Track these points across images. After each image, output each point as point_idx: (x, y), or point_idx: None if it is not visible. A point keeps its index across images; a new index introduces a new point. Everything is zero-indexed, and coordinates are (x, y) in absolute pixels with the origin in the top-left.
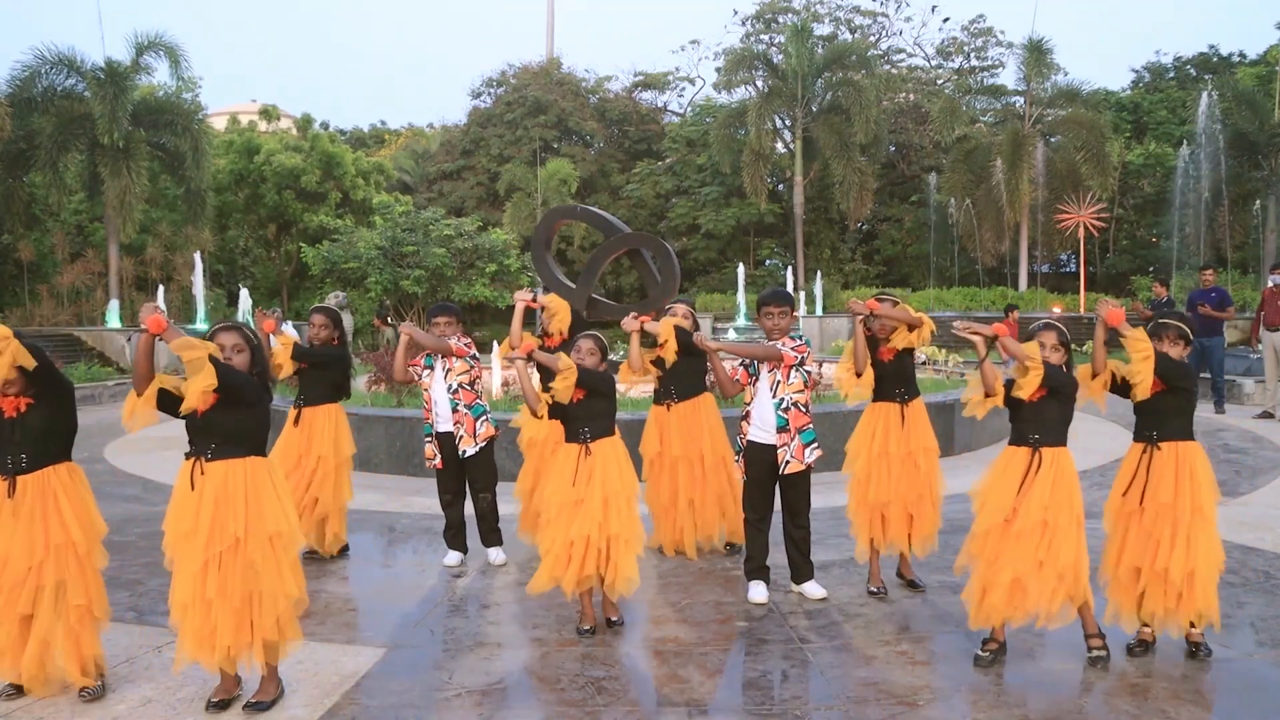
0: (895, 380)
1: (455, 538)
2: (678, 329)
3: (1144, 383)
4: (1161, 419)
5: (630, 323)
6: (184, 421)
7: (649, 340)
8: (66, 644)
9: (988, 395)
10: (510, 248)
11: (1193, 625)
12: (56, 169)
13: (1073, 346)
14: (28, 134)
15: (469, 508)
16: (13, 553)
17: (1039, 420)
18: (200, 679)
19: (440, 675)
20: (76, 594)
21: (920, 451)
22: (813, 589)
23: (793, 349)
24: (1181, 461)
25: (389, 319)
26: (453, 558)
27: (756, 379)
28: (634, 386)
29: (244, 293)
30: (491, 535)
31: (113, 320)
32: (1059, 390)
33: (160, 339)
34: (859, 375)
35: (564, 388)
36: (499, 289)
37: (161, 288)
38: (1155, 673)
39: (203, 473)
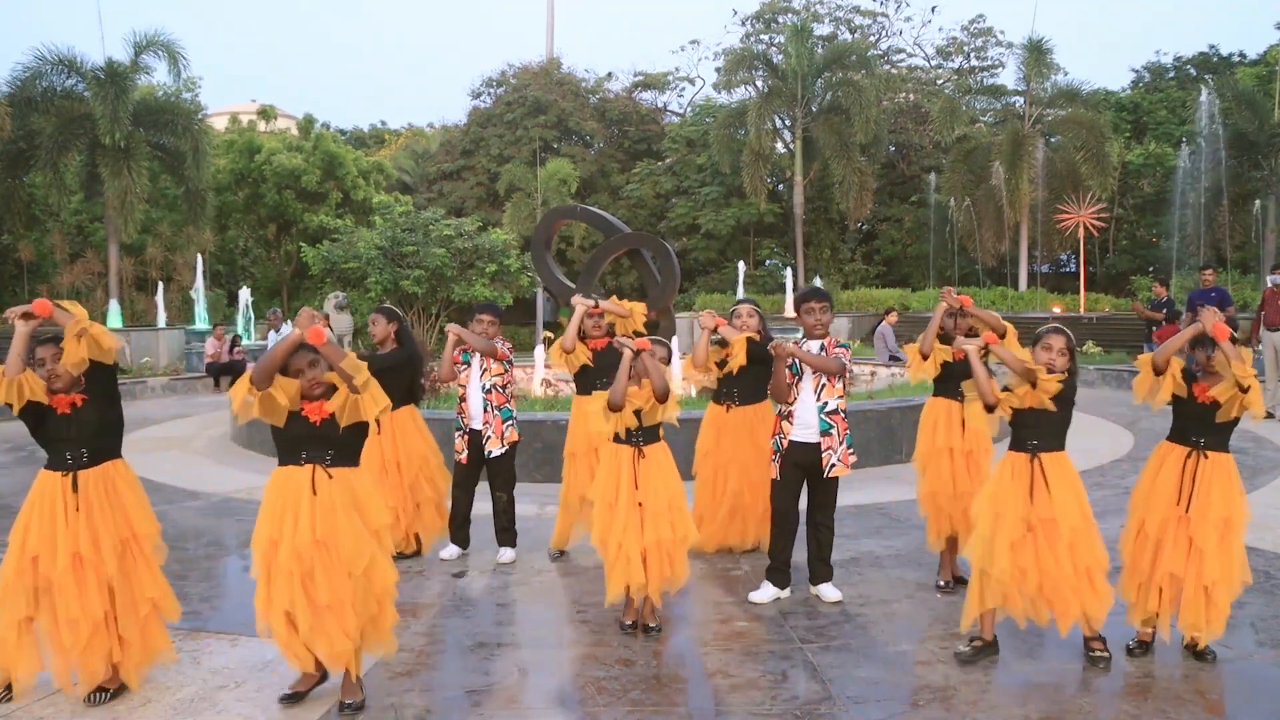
0: (960, 380)
1: (459, 532)
2: (751, 341)
3: (1255, 406)
4: (1213, 427)
5: (708, 320)
6: (284, 428)
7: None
8: (133, 640)
9: (990, 409)
10: (510, 248)
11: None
12: (56, 169)
13: (1075, 349)
14: (28, 134)
15: (478, 508)
16: (80, 549)
17: (1038, 425)
18: (200, 679)
19: (440, 675)
20: (148, 588)
21: (981, 451)
22: (829, 591)
23: (847, 358)
24: (1230, 474)
25: None
26: (451, 551)
27: (800, 379)
28: (697, 384)
29: (244, 292)
30: (505, 535)
31: (113, 320)
32: (1060, 397)
33: (317, 350)
34: (924, 357)
35: (666, 411)
36: (499, 289)
37: (161, 287)
38: (1155, 673)
39: (330, 478)
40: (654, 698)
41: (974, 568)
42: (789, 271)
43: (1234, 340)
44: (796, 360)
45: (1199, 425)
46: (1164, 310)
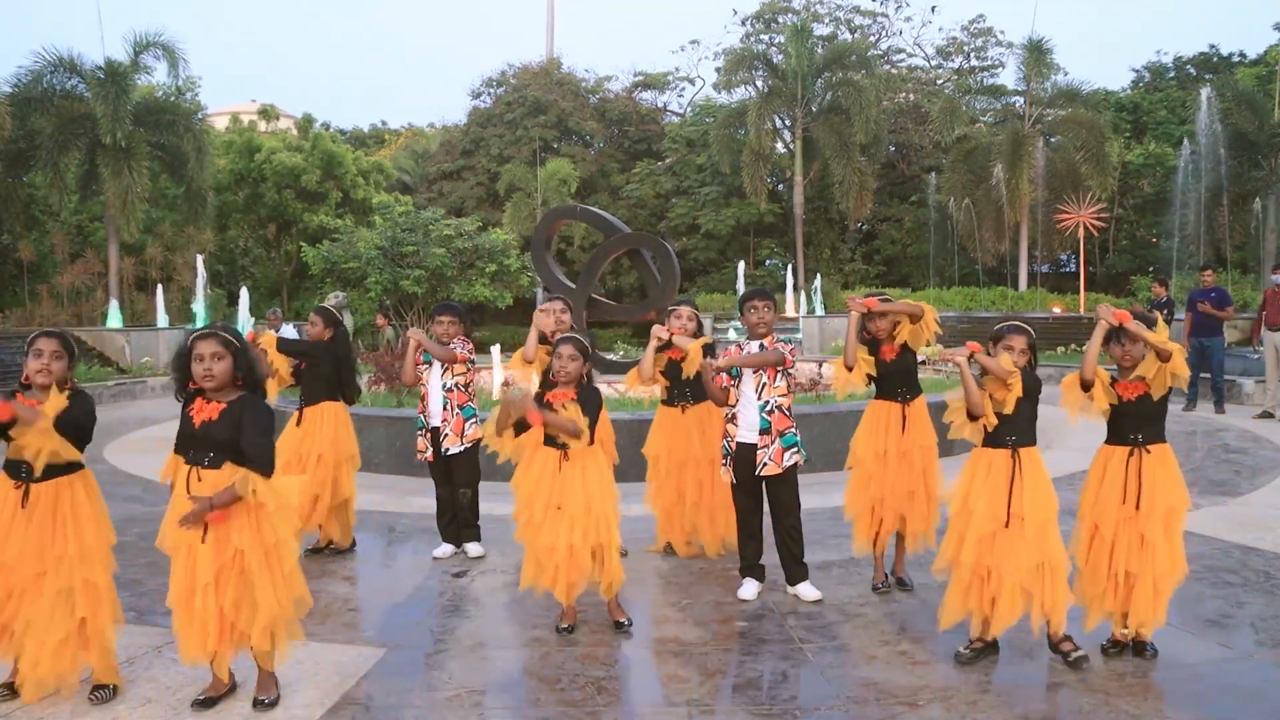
0: (898, 379)
1: (448, 528)
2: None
3: (1180, 370)
4: (1146, 421)
5: (660, 331)
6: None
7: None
8: (89, 649)
9: (974, 417)
10: (510, 248)
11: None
12: (57, 169)
13: (1072, 346)
14: (28, 134)
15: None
16: (25, 558)
17: (1013, 421)
18: (200, 679)
19: (440, 675)
20: (86, 603)
21: (917, 449)
22: (807, 590)
23: (789, 351)
24: (1170, 464)
25: (389, 317)
26: (444, 549)
27: (739, 381)
28: (635, 389)
29: (244, 292)
30: (468, 530)
31: (113, 320)
32: (1030, 392)
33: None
34: (849, 369)
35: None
36: (499, 289)
37: (161, 287)
38: (1155, 673)
39: (199, 479)
40: (653, 697)
41: (952, 566)
42: (789, 271)
43: (1142, 319)
44: (735, 366)
45: (1134, 422)
46: (1165, 310)
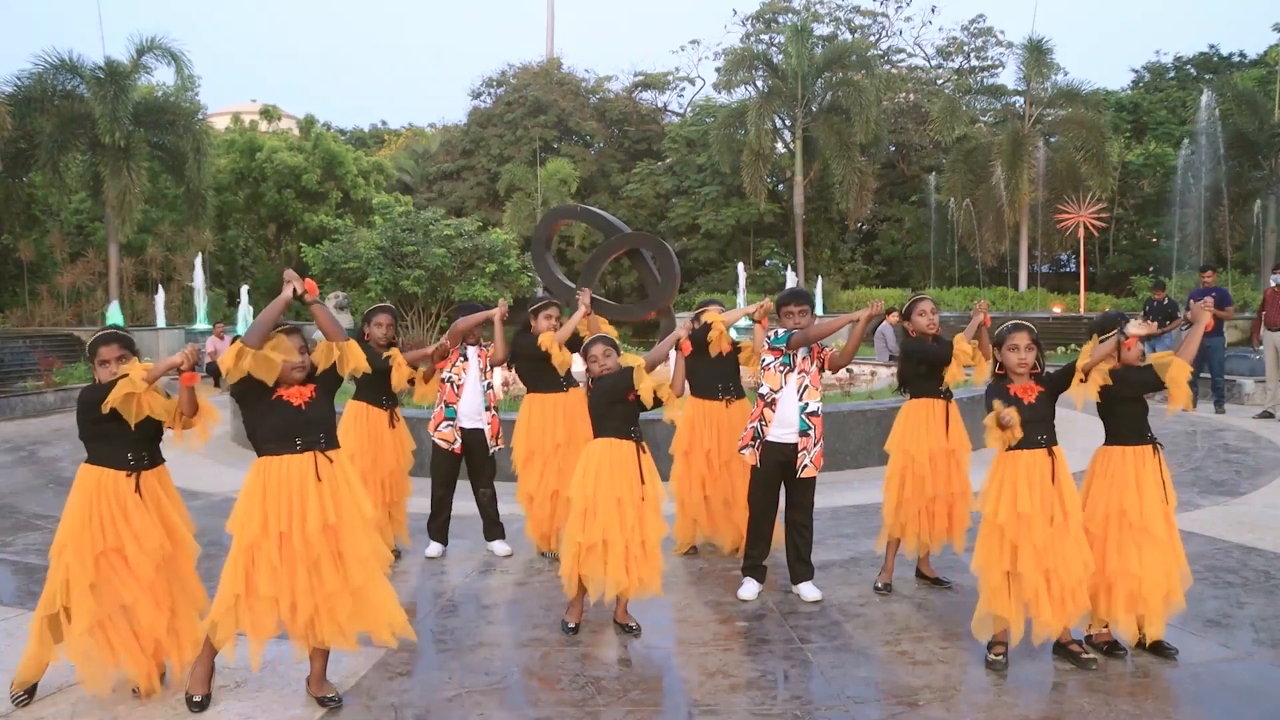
0: (943, 378)
1: (441, 530)
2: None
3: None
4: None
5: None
6: (269, 418)
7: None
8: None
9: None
10: (510, 248)
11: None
12: (57, 169)
13: (1072, 346)
14: (28, 134)
15: (457, 506)
16: (144, 550)
17: (1038, 421)
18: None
19: (440, 675)
20: (195, 592)
21: (962, 449)
22: (808, 591)
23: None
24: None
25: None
26: (435, 549)
27: (786, 373)
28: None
29: (245, 292)
30: (494, 529)
31: (113, 320)
32: (1055, 388)
33: (310, 303)
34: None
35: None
36: (499, 289)
37: (161, 287)
38: (1155, 673)
39: (331, 461)
40: (654, 698)
41: (1000, 571)
42: (789, 271)
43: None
44: (790, 354)
45: (1146, 419)
46: (1165, 313)
